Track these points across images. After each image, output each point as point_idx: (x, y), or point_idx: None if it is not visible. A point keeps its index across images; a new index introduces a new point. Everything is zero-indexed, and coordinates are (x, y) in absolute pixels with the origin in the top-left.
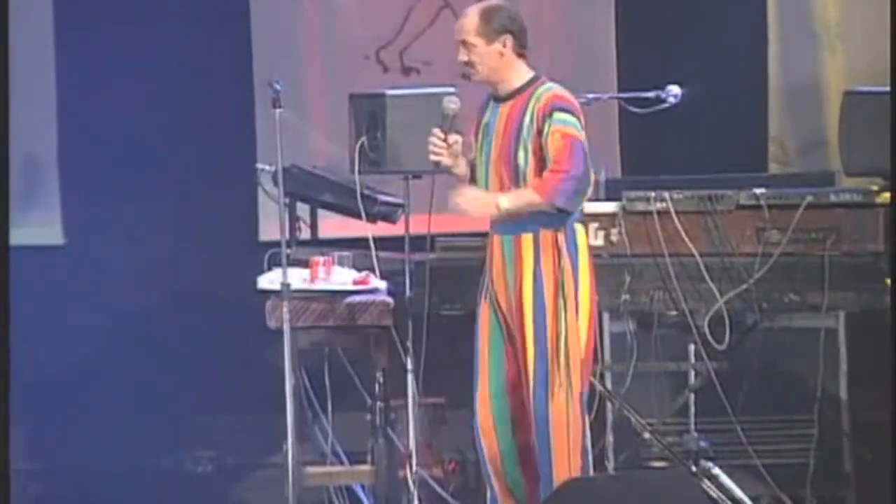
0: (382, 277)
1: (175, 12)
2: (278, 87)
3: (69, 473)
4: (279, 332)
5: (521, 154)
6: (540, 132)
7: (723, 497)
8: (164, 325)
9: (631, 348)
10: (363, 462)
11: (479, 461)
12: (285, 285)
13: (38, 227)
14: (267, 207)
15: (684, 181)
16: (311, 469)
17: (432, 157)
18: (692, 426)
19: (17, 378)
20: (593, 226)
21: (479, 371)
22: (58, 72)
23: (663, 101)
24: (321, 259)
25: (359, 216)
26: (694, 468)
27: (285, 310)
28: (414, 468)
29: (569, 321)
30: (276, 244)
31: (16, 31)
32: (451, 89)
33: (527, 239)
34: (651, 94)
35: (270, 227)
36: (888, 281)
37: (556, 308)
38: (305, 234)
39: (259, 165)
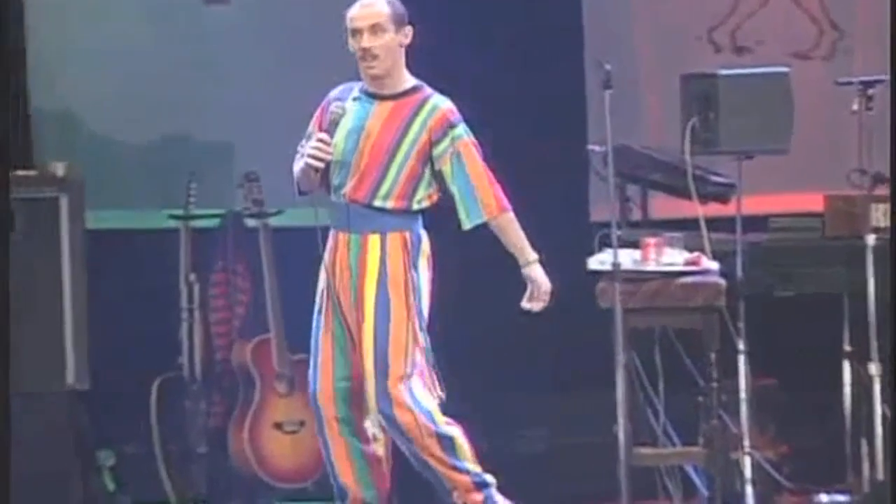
0: (714, 258)
1: None
2: (608, 67)
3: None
4: (609, 312)
5: (398, 159)
6: (432, 144)
7: None
8: (494, 304)
9: None
10: (694, 443)
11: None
12: (616, 265)
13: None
14: (598, 188)
15: None
16: (642, 450)
17: (314, 162)
18: None
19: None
20: (882, 206)
21: (319, 366)
22: None
23: None
24: (652, 240)
25: (690, 196)
26: None
27: (616, 290)
28: (746, 449)
29: (414, 321)
30: (607, 225)
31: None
32: (785, 69)
33: (373, 239)
34: None
35: (601, 208)
36: None
37: (406, 307)
38: (636, 214)
39: (590, 146)
